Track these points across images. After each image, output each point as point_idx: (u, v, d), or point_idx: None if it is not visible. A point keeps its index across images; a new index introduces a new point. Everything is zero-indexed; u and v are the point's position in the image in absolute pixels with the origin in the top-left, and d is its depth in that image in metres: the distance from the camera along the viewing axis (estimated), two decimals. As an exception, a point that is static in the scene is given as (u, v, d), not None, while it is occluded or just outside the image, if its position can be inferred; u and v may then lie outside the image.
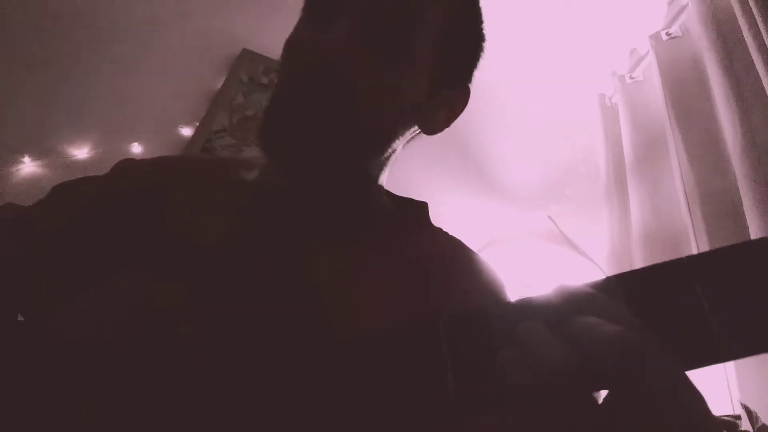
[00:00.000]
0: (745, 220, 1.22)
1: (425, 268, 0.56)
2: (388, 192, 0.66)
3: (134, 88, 1.67)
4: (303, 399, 0.36)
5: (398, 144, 0.61)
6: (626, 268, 1.58)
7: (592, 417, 0.25)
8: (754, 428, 1.02)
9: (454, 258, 0.62)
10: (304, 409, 0.36)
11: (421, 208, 0.66)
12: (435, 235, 0.65)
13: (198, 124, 1.72)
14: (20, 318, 0.51)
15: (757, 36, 1.24)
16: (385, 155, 0.61)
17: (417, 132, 0.63)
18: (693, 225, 1.36)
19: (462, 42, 0.64)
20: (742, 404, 1.07)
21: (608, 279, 0.30)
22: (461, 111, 0.66)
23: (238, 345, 0.42)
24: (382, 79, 0.55)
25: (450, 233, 0.66)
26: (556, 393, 0.25)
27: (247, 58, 1.78)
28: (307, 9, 0.58)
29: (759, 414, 1.04)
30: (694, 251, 1.33)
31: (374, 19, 0.55)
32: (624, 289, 0.29)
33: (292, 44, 0.57)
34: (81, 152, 1.63)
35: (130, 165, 0.60)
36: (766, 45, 1.22)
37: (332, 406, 0.34)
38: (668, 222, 1.49)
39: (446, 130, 0.66)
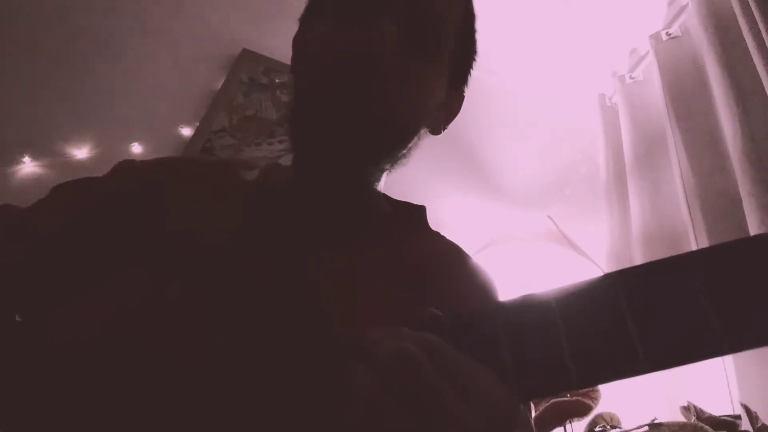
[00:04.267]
0: (745, 220, 1.22)
1: (422, 271, 0.56)
2: (385, 195, 0.66)
3: (134, 88, 1.67)
4: (302, 398, 0.36)
5: (411, 146, 0.61)
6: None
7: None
8: (754, 428, 1.02)
9: (450, 261, 0.62)
10: (303, 409, 0.36)
11: (419, 211, 0.66)
12: (432, 238, 0.65)
13: (198, 124, 1.72)
14: (18, 319, 0.51)
15: (757, 36, 1.24)
16: (397, 158, 0.61)
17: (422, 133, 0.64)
18: (693, 225, 1.36)
19: (466, 45, 0.66)
20: (742, 404, 1.07)
21: (610, 275, 0.30)
22: (458, 113, 0.67)
23: (238, 345, 0.42)
24: (420, 81, 0.56)
25: (447, 237, 0.66)
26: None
27: (247, 58, 1.78)
28: (337, 8, 0.57)
29: (759, 414, 1.04)
30: (694, 251, 1.33)
31: (417, 20, 0.55)
32: (625, 284, 0.30)
33: (329, 42, 0.55)
34: (81, 152, 1.63)
35: (129, 166, 0.61)
36: (766, 45, 1.22)
37: (332, 405, 0.34)
38: (668, 222, 1.49)
39: (446, 130, 0.67)
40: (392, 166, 0.61)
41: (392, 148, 0.58)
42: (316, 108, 0.53)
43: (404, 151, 0.60)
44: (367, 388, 0.29)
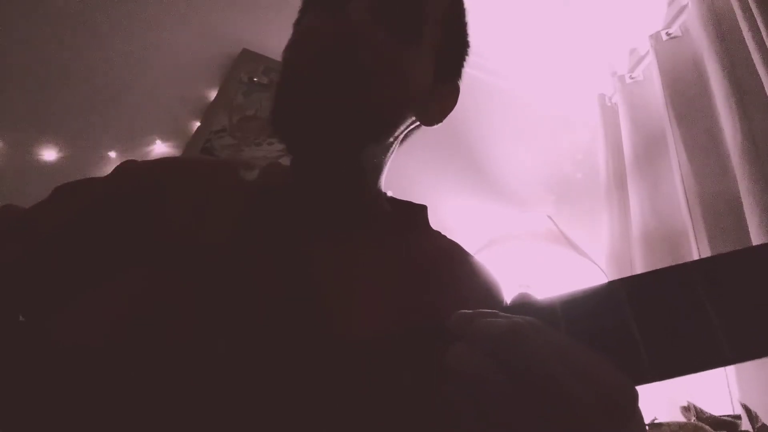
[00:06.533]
0: (745, 220, 1.22)
1: (423, 269, 0.56)
2: (387, 196, 0.66)
3: (134, 88, 1.67)
4: (305, 398, 0.36)
5: (398, 134, 0.61)
6: (626, 268, 1.58)
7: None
8: (754, 428, 1.02)
9: (451, 260, 0.62)
10: (306, 408, 0.36)
11: (420, 211, 0.67)
12: (433, 237, 0.65)
13: (198, 124, 1.72)
14: (21, 319, 0.51)
15: (757, 36, 1.24)
16: (386, 146, 0.61)
17: (415, 125, 0.64)
18: (693, 225, 1.36)
19: (456, 36, 0.66)
20: (742, 404, 1.07)
21: (612, 282, 0.30)
22: (453, 106, 0.67)
23: (239, 345, 0.43)
24: (397, 62, 0.56)
25: (448, 236, 0.66)
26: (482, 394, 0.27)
27: (247, 58, 1.78)
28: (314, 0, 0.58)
29: (759, 414, 1.04)
30: (694, 251, 1.33)
31: (389, 1, 0.55)
32: (628, 292, 0.30)
33: (307, 31, 0.57)
34: (81, 152, 1.63)
35: (131, 166, 0.61)
36: (766, 45, 1.22)
37: (335, 405, 0.34)
38: (668, 222, 1.49)
39: (446, 130, 0.67)
40: (381, 154, 0.61)
41: (375, 129, 0.58)
42: (296, 94, 0.54)
43: (391, 139, 0.60)
44: (470, 367, 0.27)
